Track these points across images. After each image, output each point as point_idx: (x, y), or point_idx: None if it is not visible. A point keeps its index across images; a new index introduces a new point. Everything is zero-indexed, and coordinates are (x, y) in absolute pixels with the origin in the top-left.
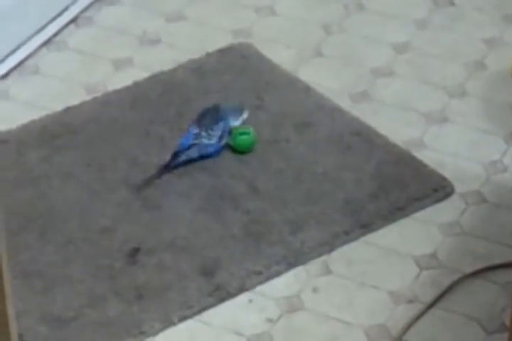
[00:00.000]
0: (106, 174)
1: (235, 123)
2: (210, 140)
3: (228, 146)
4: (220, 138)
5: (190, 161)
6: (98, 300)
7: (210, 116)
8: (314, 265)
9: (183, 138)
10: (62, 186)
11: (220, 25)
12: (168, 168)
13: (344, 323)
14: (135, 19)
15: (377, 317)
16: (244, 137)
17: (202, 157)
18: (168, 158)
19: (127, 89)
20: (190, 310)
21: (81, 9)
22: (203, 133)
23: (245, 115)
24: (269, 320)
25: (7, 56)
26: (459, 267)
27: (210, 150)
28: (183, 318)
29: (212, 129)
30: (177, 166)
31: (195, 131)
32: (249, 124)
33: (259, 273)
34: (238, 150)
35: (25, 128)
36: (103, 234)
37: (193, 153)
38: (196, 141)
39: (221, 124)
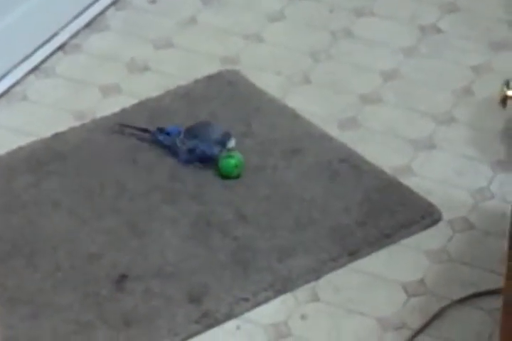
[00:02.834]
0: (94, 201)
1: (217, 149)
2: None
3: (215, 170)
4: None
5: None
6: (86, 327)
7: (197, 130)
8: (302, 292)
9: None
10: (50, 212)
11: (208, 52)
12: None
13: None
14: (123, 46)
15: None
16: (228, 160)
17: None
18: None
19: (115, 115)
20: (178, 336)
21: (69, 36)
22: (182, 138)
23: (231, 144)
24: None
25: None
26: (447, 294)
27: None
28: None
29: (187, 140)
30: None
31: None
32: (236, 150)
33: (247, 299)
34: (223, 174)
35: (13, 154)
36: (91, 260)
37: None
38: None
39: (197, 142)
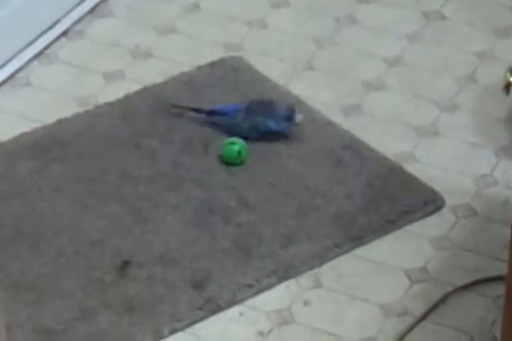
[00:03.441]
0: (97, 187)
1: (285, 124)
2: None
3: (218, 156)
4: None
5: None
6: (89, 313)
7: (260, 106)
8: (305, 278)
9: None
10: (53, 199)
11: (211, 38)
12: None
13: (335, 336)
14: (127, 32)
15: (368, 331)
16: (230, 147)
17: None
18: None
19: (118, 102)
20: (181, 323)
21: (72, 22)
22: (244, 116)
23: (299, 118)
24: (260, 333)
25: None
26: (450, 280)
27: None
28: (174, 331)
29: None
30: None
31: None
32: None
33: (250, 286)
34: (225, 160)
35: (16, 140)
36: (94, 247)
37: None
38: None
39: (261, 119)
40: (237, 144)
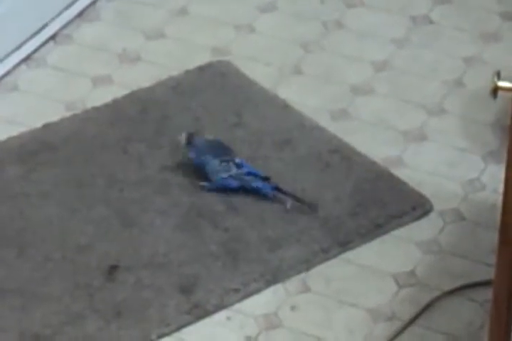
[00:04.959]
0: (84, 191)
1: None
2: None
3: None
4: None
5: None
6: (76, 318)
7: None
8: (293, 283)
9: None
10: (41, 203)
11: (199, 42)
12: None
13: None
14: (114, 36)
15: (356, 335)
16: None
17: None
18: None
19: (106, 106)
20: (169, 327)
21: (60, 26)
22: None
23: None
24: (248, 338)
25: None
26: (438, 285)
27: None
28: (162, 335)
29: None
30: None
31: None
32: (228, 142)
33: (238, 290)
34: None
35: (4, 144)
36: (81, 251)
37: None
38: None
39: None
40: None
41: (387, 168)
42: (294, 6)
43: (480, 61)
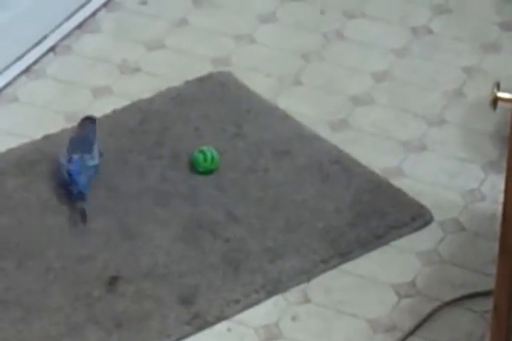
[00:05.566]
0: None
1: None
2: (94, 160)
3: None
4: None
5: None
6: (77, 329)
7: (81, 141)
8: (293, 293)
9: (71, 165)
10: (41, 214)
11: (199, 53)
12: (78, 195)
13: None
14: (114, 47)
15: None
16: (197, 155)
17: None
18: (75, 191)
19: (106, 117)
20: (169, 338)
21: (60, 38)
22: (86, 156)
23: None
24: None
25: None
26: (438, 295)
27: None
28: None
29: (92, 151)
30: (81, 192)
31: (77, 156)
32: (228, 152)
33: (238, 301)
34: (195, 168)
35: (4, 156)
36: (82, 262)
37: (87, 173)
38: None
39: (95, 145)
40: (203, 153)
41: (387, 179)
42: (294, 17)
43: (480, 71)
